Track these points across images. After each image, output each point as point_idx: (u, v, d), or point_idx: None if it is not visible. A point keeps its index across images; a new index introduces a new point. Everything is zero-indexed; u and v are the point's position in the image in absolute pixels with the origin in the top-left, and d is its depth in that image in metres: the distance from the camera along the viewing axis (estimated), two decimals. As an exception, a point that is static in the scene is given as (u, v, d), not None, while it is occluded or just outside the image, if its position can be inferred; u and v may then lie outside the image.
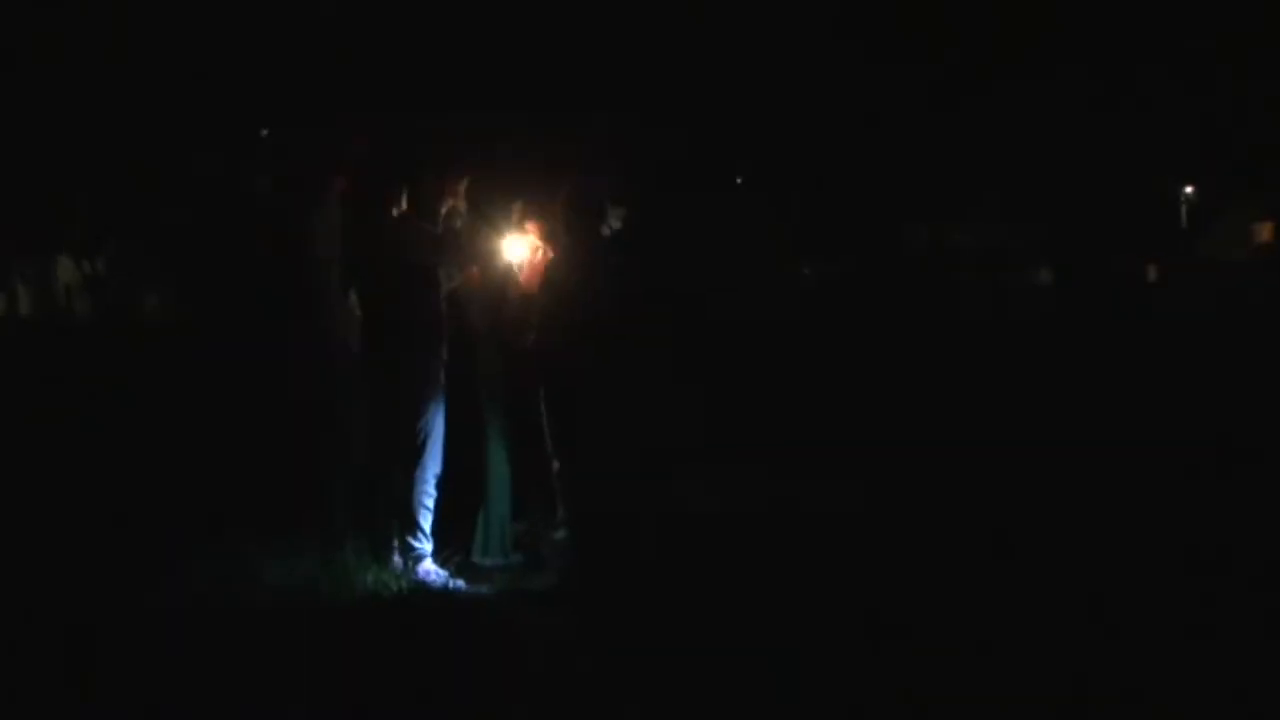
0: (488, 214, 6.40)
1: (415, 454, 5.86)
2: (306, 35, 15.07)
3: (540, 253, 6.35)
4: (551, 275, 6.08)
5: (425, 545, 5.89)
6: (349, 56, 14.57)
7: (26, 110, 16.41)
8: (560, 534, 6.24)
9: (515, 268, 6.36)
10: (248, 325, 6.33)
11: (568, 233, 6.07)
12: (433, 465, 5.89)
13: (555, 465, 6.12)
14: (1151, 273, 22.59)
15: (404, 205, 6.03)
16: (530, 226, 6.41)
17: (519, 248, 6.35)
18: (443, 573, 5.84)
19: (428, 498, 5.89)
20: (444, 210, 6.26)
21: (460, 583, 5.82)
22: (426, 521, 5.90)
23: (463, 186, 6.34)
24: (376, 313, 5.99)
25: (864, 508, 7.12)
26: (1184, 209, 24.33)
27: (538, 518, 6.51)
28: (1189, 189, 24.15)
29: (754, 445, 8.49)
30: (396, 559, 5.84)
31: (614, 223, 6.34)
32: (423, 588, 5.70)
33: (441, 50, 14.40)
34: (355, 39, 14.74)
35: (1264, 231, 25.94)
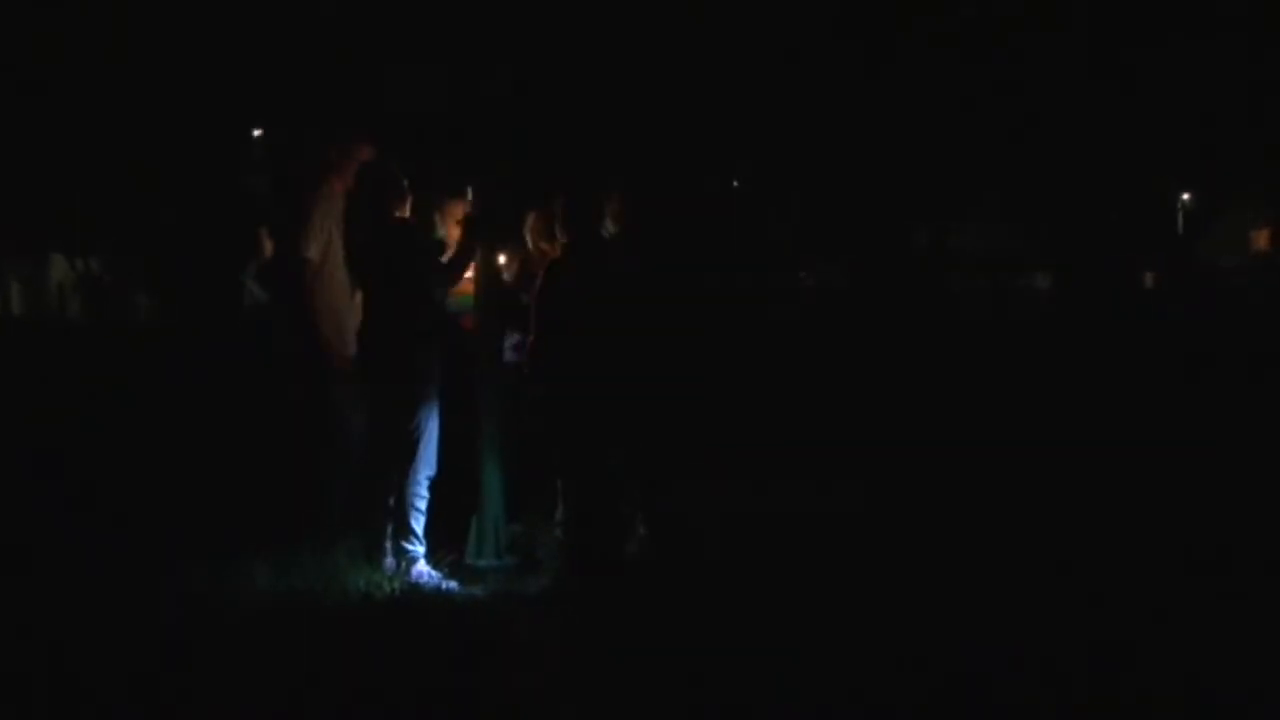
0: (485, 218, 6.36)
1: (409, 455, 5.82)
2: (306, 35, 15.04)
3: (537, 255, 6.34)
4: (549, 277, 6.06)
5: (418, 547, 5.85)
6: (349, 56, 14.54)
7: (23, 110, 16.38)
8: (555, 534, 6.22)
9: (512, 271, 6.33)
10: (240, 326, 6.30)
11: (566, 235, 6.05)
12: (426, 467, 5.86)
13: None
14: (1149, 278, 22.63)
15: (406, 210, 6.00)
16: (533, 230, 6.41)
17: (516, 252, 6.33)
18: (436, 574, 5.80)
19: (420, 500, 5.85)
20: (443, 216, 6.23)
21: (454, 584, 5.77)
22: (419, 523, 5.86)
23: (466, 192, 6.32)
24: (374, 314, 5.96)
25: (863, 508, 7.11)
26: (1181, 215, 24.37)
27: (534, 519, 6.48)
28: (1186, 195, 24.18)
29: (753, 446, 8.48)
30: (390, 560, 5.80)
31: (610, 225, 6.32)
32: (416, 590, 5.65)
33: (438, 52, 14.37)
34: (355, 39, 14.71)
35: (1261, 238, 26.02)
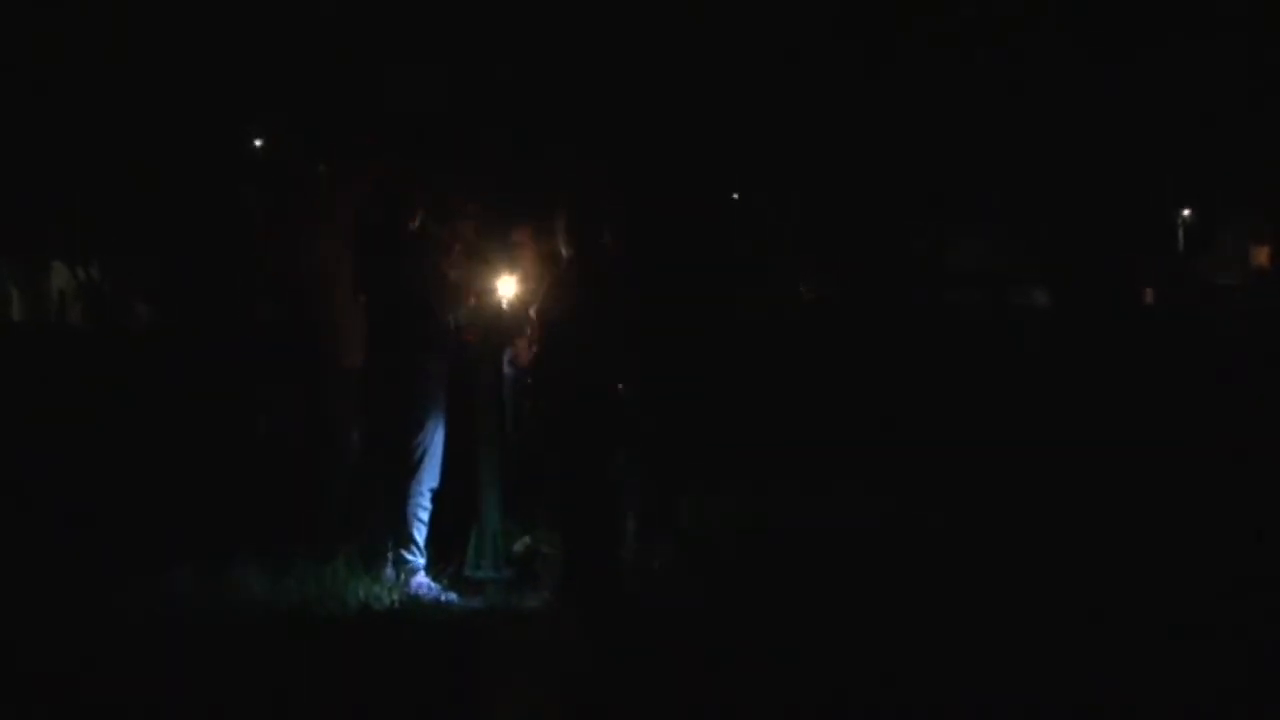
0: (488, 237, 6.36)
1: (412, 468, 5.81)
2: (306, 36, 15.03)
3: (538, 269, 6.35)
4: (550, 289, 6.06)
5: (418, 558, 5.85)
6: (349, 56, 14.52)
7: (22, 114, 16.37)
8: (553, 545, 6.22)
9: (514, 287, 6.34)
10: (245, 335, 6.31)
11: (567, 247, 6.04)
12: (429, 480, 5.85)
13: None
14: (1149, 295, 22.65)
15: (416, 223, 5.99)
16: (533, 245, 6.41)
17: (518, 270, 6.33)
18: (435, 586, 5.79)
19: (423, 511, 5.85)
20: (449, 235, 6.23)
21: (453, 596, 5.76)
22: (420, 535, 5.85)
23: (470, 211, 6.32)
24: (379, 326, 5.95)
25: (861, 518, 7.14)
26: (1181, 231, 24.44)
27: (535, 531, 6.47)
28: (1186, 212, 24.25)
29: (752, 453, 8.49)
30: (389, 571, 5.80)
31: (611, 237, 6.31)
32: (415, 601, 5.65)
33: (438, 52, 14.37)
34: (355, 39, 14.70)
35: (1261, 254, 26.09)
